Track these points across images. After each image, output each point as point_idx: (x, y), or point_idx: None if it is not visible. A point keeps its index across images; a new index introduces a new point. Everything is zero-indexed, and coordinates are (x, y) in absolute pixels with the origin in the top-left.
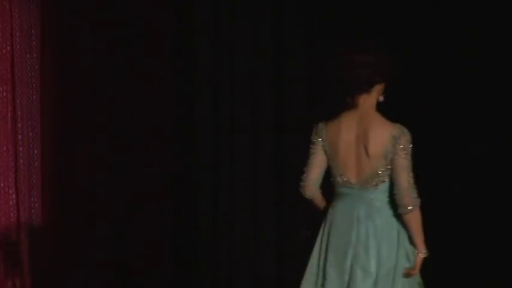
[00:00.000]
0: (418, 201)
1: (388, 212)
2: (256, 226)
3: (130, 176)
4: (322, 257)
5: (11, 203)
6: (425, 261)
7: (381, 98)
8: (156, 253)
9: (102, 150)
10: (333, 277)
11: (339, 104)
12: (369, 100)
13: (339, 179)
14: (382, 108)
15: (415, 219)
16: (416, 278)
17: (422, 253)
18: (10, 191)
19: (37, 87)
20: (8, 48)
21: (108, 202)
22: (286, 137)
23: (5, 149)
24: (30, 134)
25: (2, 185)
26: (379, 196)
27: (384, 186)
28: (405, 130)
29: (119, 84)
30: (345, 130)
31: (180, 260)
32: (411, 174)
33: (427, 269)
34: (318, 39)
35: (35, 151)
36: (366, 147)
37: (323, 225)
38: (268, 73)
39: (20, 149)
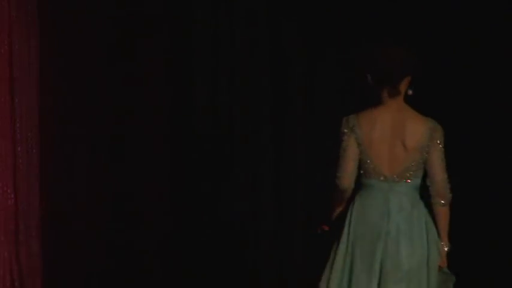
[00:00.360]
0: (451, 195)
1: (417, 206)
2: (259, 220)
3: (130, 175)
4: (350, 250)
5: (9, 202)
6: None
7: (410, 92)
8: (157, 255)
9: (101, 149)
10: (361, 270)
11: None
12: (400, 93)
13: (370, 172)
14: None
15: (445, 212)
16: (445, 272)
17: (446, 246)
18: (9, 191)
19: (37, 88)
20: (7, 47)
21: (108, 202)
22: (286, 133)
23: (4, 148)
24: (29, 134)
25: (0, 184)
26: (410, 191)
27: (415, 182)
28: (438, 124)
29: (119, 84)
30: (380, 123)
31: (182, 260)
32: (446, 168)
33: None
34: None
35: (34, 151)
36: (403, 140)
37: (348, 217)
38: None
39: (19, 148)
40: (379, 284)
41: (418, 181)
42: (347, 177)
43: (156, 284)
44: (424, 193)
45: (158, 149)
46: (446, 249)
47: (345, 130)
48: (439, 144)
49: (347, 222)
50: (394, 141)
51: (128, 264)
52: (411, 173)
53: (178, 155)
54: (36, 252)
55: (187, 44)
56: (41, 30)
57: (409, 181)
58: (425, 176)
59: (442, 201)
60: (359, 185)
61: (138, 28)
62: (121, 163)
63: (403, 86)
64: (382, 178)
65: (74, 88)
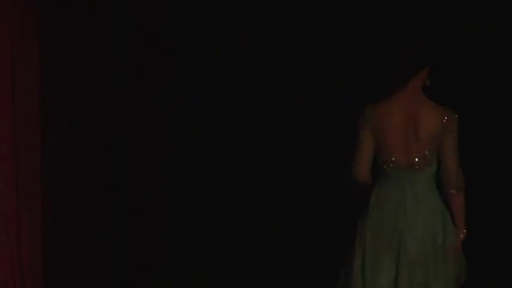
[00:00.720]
0: (464, 184)
1: (433, 194)
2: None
3: (131, 175)
4: (373, 241)
5: (11, 203)
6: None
7: (427, 82)
8: (157, 255)
9: (102, 149)
10: (383, 259)
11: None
12: (417, 83)
13: (386, 162)
14: None
15: (458, 201)
16: (461, 260)
17: (463, 233)
18: (10, 191)
19: (37, 87)
20: (8, 48)
21: (109, 202)
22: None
23: (5, 149)
24: (30, 134)
25: (2, 184)
26: (426, 179)
27: (431, 169)
28: (453, 112)
29: (120, 84)
30: (394, 113)
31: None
32: (459, 157)
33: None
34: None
35: (35, 151)
36: (416, 129)
37: (369, 207)
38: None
39: (20, 149)
40: (397, 271)
41: (434, 169)
42: (362, 170)
43: (158, 284)
44: (439, 181)
45: (160, 148)
46: (463, 236)
47: (361, 122)
48: (453, 133)
49: (367, 212)
50: (408, 131)
51: (130, 264)
52: (426, 162)
53: (180, 158)
54: (38, 252)
55: (188, 43)
56: (42, 31)
57: (425, 170)
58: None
59: (455, 190)
60: (377, 173)
61: (139, 28)
62: (122, 163)
63: (415, 80)
64: (398, 167)
65: (75, 87)
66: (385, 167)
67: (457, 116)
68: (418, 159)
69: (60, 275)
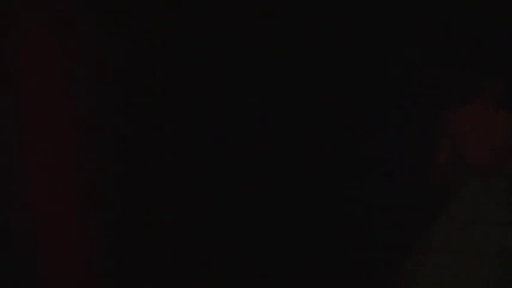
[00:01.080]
0: None
1: (507, 200)
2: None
3: (133, 175)
4: (447, 244)
5: (11, 203)
6: None
7: (502, 91)
8: (160, 256)
9: (103, 150)
10: (456, 262)
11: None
12: (493, 92)
13: (464, 166)
14: None
15: None
16: None
17: None
18: (11, 191)
19: (39, 87)
20: (9, 47)
21: (110, 203)
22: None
23: (6, 149)
24: (31, 133)
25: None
26: (502, 183)
27: (505, 176)
28: None
29: (121, 84)
30: (471, 120)
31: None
32: None
33: None
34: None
35: (36, 151)
36: (490, 137)
37: (444, 214)
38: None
39: (23, 148)
40: (469, 273)
41: (508, 176)
42: (439, 174)
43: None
44: None
45: (163, 149)
46: None
47: (442, 127)
48: None
49: (442, 218)
50: (483, 139)
51: (131, 266)
52: (500, 168)
53: (180, 161)
54: (37, 253)
55: (188, 43)
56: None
57: (499, 176)
58: None
59: None
60: (455, 178)
61: (141, 27)
62: (123, 163)
63: (496, 87)
64: (475, 170)
65: (77, 88)
66: (461, 171)
67: None
68: (495, 165)
69: (61, 275)
